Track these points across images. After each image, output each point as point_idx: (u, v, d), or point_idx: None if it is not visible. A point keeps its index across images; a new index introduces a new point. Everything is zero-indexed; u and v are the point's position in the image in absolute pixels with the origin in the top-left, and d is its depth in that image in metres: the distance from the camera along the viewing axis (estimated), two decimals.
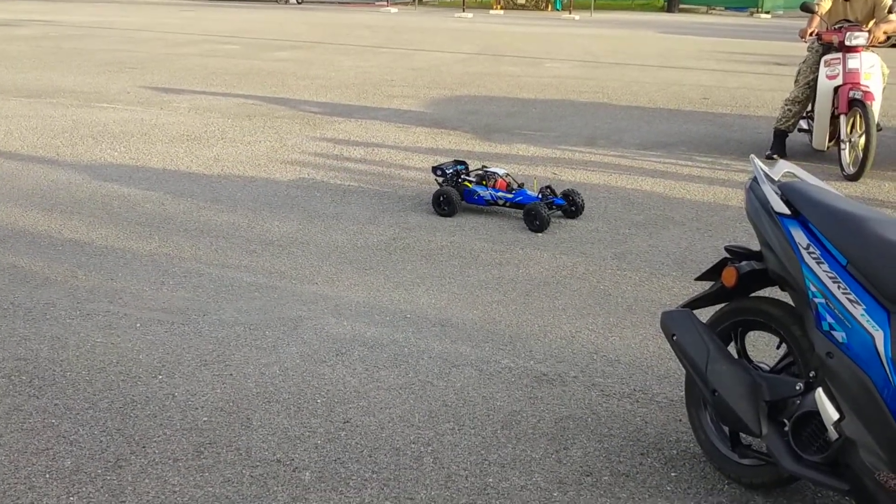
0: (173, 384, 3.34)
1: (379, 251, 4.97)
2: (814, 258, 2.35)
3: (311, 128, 8.45)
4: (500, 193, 5.57)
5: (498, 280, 4.53)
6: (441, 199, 5.60)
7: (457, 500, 2.64)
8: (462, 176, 5.77)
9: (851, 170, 6.60)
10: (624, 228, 5.41)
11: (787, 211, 2.47)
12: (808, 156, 7.33)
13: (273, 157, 7.21)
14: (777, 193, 2.54)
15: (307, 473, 2.76)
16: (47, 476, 2.72)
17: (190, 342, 3.72)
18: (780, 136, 7.34)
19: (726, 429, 2.74)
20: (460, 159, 6.06)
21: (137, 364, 3.50)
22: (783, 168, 2.70)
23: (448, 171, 5.77)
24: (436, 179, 5.84)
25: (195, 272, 4.58)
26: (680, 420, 3.11)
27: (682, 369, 2.85)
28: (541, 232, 5.22)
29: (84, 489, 2.66)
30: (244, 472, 2.77)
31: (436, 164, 5.92)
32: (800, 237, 2.40)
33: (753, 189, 2.64)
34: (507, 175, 5.75)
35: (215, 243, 5.05)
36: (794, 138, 7.56)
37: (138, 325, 3.89)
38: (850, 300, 2.24)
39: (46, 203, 5.74)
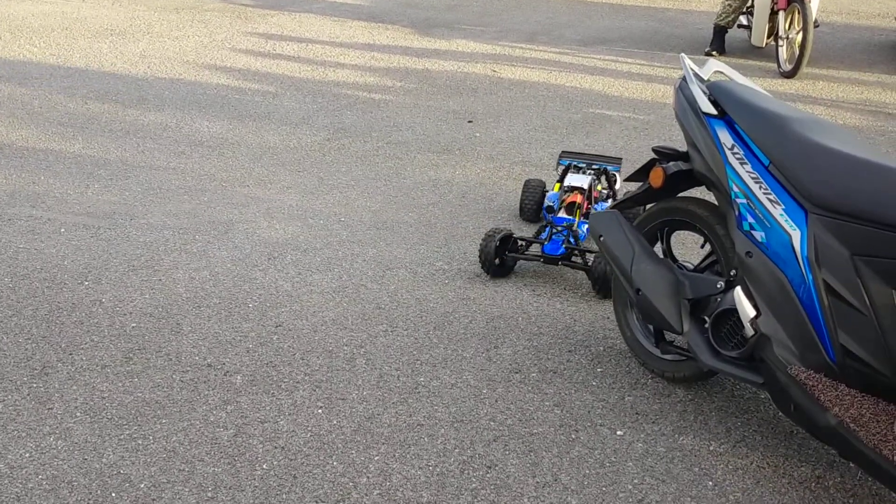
0: (100, 290, 3.28)
1: (312, 152, 4.87)
2: (737, 158, 2.37)
3: (242, 21, 8.13)
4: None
5: (434, 182, 4.49)
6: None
7: (388, 399, 2.68)
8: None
9: (788, 66, 6.63)
10: (562, 128, 5.38)
11: (713, 111, 2.47)
12: (747, 52, 7.34)
13: (202, 53, 6.94)
14: (705, 93, 2.53)
15: (238, 377, 2.77)
16: None
17: (117, 247, 3.64)
18: (720, 32, 7.31)
19: (650, 326, 2.81)
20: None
21: (63, 270, 3.42)
22: (713, 67, 2.68)
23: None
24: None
25: (121, 175, 4.44)
26: (607, 318, 3.18)
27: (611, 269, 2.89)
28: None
29: (10, 396, 2.63)
30: (174, 376, 2.76)
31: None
32: (725, 137, 2.41)
33: (682, 89, 2.63)
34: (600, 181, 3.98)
35: (142, 144, 4.89)
36: (734, 34, 7.54)
37: (63, 230, 3.79)
38: (770, 200, 2.27)
39: None
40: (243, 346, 2.95)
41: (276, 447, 2.45)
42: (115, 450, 2.41)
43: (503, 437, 2.52)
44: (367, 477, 2.34)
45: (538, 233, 3.58)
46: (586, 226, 3.56)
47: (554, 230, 3.49)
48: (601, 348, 3.00)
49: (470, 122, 5.46)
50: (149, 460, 2.38)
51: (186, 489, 2.28)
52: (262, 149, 4.90)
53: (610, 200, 3.86)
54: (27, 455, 2.38)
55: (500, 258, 3.42)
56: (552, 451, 2.47)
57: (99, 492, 2.25)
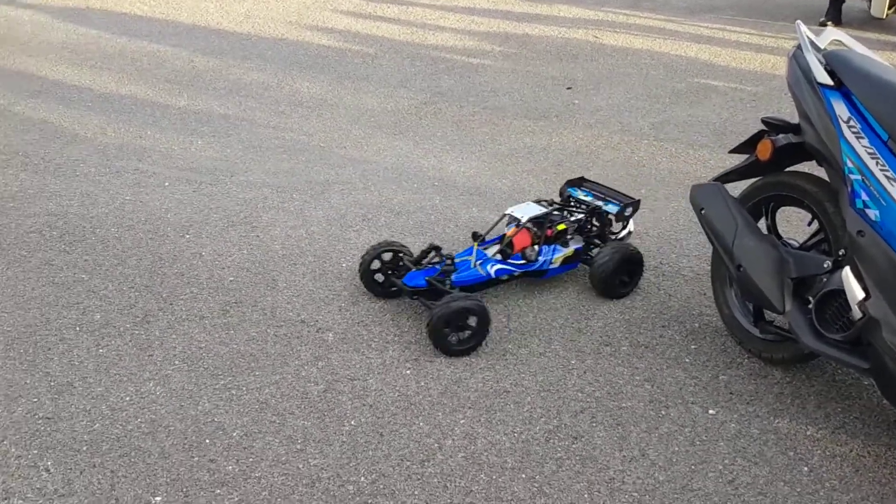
0: (200, 243, 3.38)
1: (409, 116, 4.87)
2: (854, 132, 2.24)
3: None
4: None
5: (529, 149, 4.44)
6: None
7: (475, 364, 2.67)
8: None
9: None
10: (664, 97, 5.22)
11: (829, 81, 2.34)
12: (866, 24, 6.94)
13: (305, 14, 7.01)
14: (821, 63, 2.39)
15: (330, 334, 2.81)
16: (77, 329, 2.80)
17: (218, 202, 3.73)
18: (837, 1, 6.94)
19: (750, 304, 2.71)
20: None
21: (165, 223, 3.53)
22: (831, 35, 2.53)
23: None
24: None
25: (223, 132, 4.55)
26: (704, 294, 3.08)
27: (711, 244, 2.79)
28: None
29: (113, 342, 2.74)
30: (268, 331, 2.82)
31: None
32: (841, 109, 2.28)
33: (796, 57, 2.50)
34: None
35: (244, 103, 4.99)
36: (852, 4, 7.15)
37: (167, 183, 3.91)
38: (887, 177, 2.14)
39: (76, 58, 5.68)
40: (336, 304, 2.99)
41: (364, 404, 2.48)
42: (209, 398, 2.49)
43: (590, 408, 2.49)
44: (453, 439, 2.35)
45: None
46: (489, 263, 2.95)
47: (443, 258, 2.97)
48: (696, 325, 2.91)
49: (569, 88, 5.36)
50: (242, 410, 2.44)
51: (276, 440, 2.33)
52: (359, 111, 4.93)
53: (572, 245, 3.08)
54: (127, 398, 2.48)
55: (386, 277, 3.00)
56: (640, 426, 2.42)
57: (194, 437, 2.33)
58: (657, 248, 3.43)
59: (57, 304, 2.93)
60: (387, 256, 3.01)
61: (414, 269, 2.92)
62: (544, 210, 3.09)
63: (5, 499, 2.11)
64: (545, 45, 6.25)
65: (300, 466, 2.24)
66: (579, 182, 3.36)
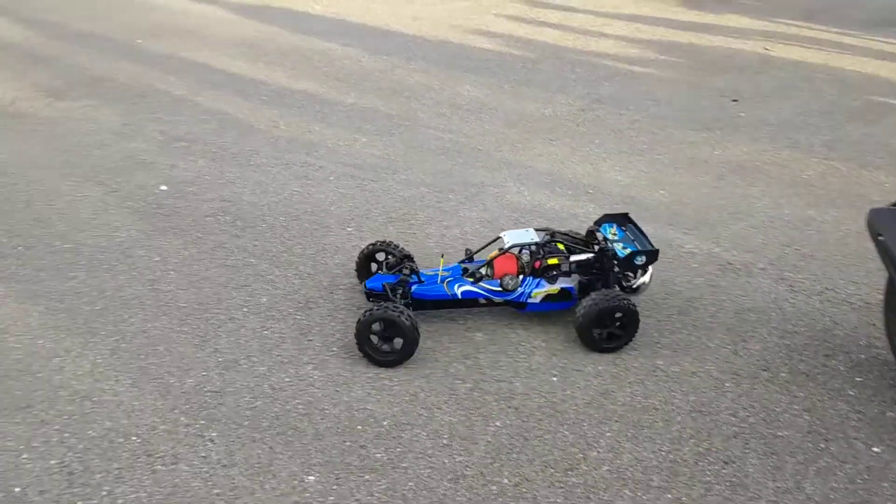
0: (361, 237, 3.50)
1: (567, 121, 4.86)
2: None
3: None
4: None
5: (690, 161, 4.33)
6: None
7: (624, 377, 2.64)
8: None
9: None
10: (837, 114, 4.97)
11: None
12: None
13: (469, 18, 7.11)
14: None
15: (479, 334, 2.85)
16: (245, 310, 2.97)
17: (378, 198, 3.86)
18: None
19: None
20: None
21: (329, 215, 3.69)
22: None
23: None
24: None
25: (387, 131, 4.69)
26: (873, 325, 2.92)
27: (885, 272, 2.64)
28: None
29: (276, 325, 2.89)
30: (420, 326, 2.89)
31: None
32: None
33: None
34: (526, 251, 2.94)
35: (407, 103, 5.13)
36: None
37: (332, 177, 4.07)
38: None
39: (253, 53, 6.00)
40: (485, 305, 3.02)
41: (510, 407, 2.50)
42: (363, 386, 2.58)
43: (744, 434, 2.41)
44: (598, 451, 2.33)
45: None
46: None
47: (411, 269, 2.86)
48: (863, 356, 2.76)
49: (735, 101, 5.18)
50: (392, 400, 2.52)
51: (424, 433, 2.39)
52: (518, 114, 4.96)
53: (561, 283, 2.83)
54: (287, 380, 2.61)
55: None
56: (797, 457, 2.32)
57: (346, 422, 2.43)
58: (822, 272, 3.27)
59: (228, 285, 3.12)
60: (380, 256, 2.99)
61: (381, 273, 2.88)
62: (536, 240, 2.85)
63: (174, 463, 2.27)
64: (711, 55, 6.08)
65: (445, 461, 2.29)
66: (620, 219, 3.03)
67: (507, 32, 6.66)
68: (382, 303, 2.66)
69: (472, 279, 2.83)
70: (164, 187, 3.89)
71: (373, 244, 3.00)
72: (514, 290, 2.81)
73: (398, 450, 2.33)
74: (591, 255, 2.86)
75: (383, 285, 2.83)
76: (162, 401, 2.50)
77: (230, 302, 3.01)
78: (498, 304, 2.86)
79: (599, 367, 2.69)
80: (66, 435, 2.35)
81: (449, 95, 5.27)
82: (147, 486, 2.19)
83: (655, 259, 2.85)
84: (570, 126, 4.79)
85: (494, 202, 3.84)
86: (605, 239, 2.92)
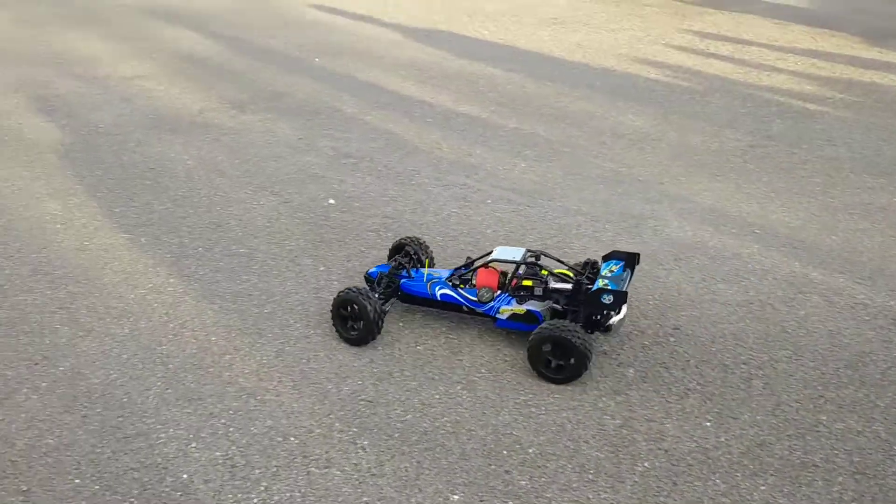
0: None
1: (734, 157, 4.72)
2: None
3: (678, 18, 8.09)
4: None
5: (866, 206, 4.10)
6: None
7: (783, 430, 2.53)
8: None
9: None
10: None
11: None
12: None
13: (635, 47, 7.05)
14: None
15: (631, 370, 2.81)
16: (401, 324, 3.06)
17: (534, 224, 3.88)
18: None
19: None
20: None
21: (485, 237, 3.74)
22: None
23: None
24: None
25: (546, 157, 4.71)
26: None
27: None
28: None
29: (429, 342, 2.95)
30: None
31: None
32: None
33: None
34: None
35: (568, 130, 5.13)
36: None
37: (489, 201, 4.13)
38: None
39: (421, 76, 6.19)
40: (639, 341, 2.98)
41: (659, 448, 2.45)
42: (510, 411, 2.60)
43: None
44: None
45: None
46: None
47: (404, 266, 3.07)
48: None
49: None
50: (539, 429, 2.53)
51: (570, 465, 2.38)
52: (682, 147, 4.86)
53: (529, 305, 2.83)
54: (437, 396, 2.67)
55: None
56: None
57: (492, 445, 2.46)
58: None
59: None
60: (409, 250, 3.17)
61: (385, 264, 3.11)
62: (517, 261, 2.87)
63: (327, 467, 2.37)
64: (894, 96, 5.74)
65: (590, 496, 2.27)
66: (629, 258, 2.90)
67: (676, 63, 6.55)
68: (357, 288, 2.89)
69: (453, 285, 2.96)
70: (332, 201, 4.07)
71: (403, 238, 3.21)
72: (487, 303, 2.89)
73: (542, 479, 2.33)
74: (569, 286, 2.85)
75: (379, 274, 3.03)
76: (319, 405, 2.61)
77: (389, 315, 3.11)
78: (467, 313, 2.96)
79: (757, 417, 2.59)
80: (231, 429, 2.50)
81: (611, 124, 5.24)
82: (301, 486, 2.30)
83: (623, 301, 2.74)
84: (737, 162, 4.65)
85: (653, 236, 3.78)
86: (597, 273, 2.88)
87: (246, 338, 2.96)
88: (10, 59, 6.31)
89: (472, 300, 2.93)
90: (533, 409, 2.61)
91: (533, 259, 2.95)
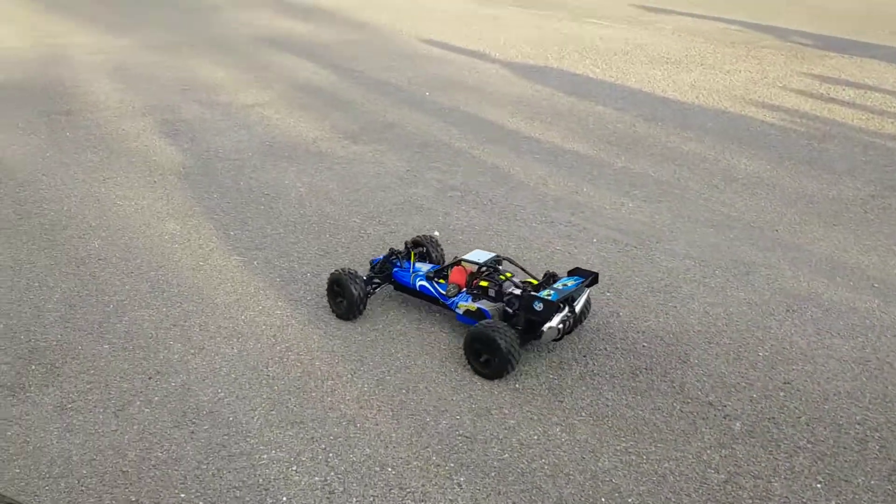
0: (619, 304, 3.48)
1: (853, 206, 4.53)
2: None
3: (797, 61, 7.87)
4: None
5: None
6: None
7: None
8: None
9: None
10: None
11: None
12: None
13: (751, 88, 6.89)
14: None
15: (738, 424, 2.72)
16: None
17: (640, 266, 3.82)
18: None
19: None
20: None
21: None
22: None
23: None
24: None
25: (655, 198, 4.64)
26: None
27: None
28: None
29: (529, 381, 2.93)
30: (675, 405, 2.81)
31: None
32: None
33: None
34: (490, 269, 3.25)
35: (678, 171, 5.05)
36: None
37: (595, 240, 4.09)
38: None
39: (530, 111, 6.22)
40: (747, 393, 2.88)
41: None
42: (610, 458, 2.55)
43: None
44: None
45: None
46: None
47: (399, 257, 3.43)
48: None
49: None
50: (639, 478, 2.47)
51: None
52: (797, 194, 4.70)
53: (480, 304, 3.10)
54: (535, 437, 2.64)
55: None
56: None
57: (591, 492, 2.41)
58: None
59: None
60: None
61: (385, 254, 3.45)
62: (480, 263, 3.19)
63: (422, 501, 2.37)
64: None
65: None
66: (589, 277, 3.08)
67: (792, 107, 6.36)
68: (347, 270, 3.27)
69: (431, 279, 3.28)
70: (437, 233, 4.11)
71: (417, 237, 3.54)
72: (452, 298, 3.18)
73: None
74: (518, 291, 3.07)
75: (379, 261, 3.41)
76: (417, 437, 2.62)
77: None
78: (439, 305, 3.26)
79: (872, 481, 2.45)
80: (331, 455, 2.54)
81: (723, 167, 5.12)
82: None
83: (555, 309, 2.92)
84: (856, 211, 4.46)
85: (765, 284, 3.66)
86: (547, 284, 3.08)
87: (348, 364, 3.01)
88: (141, 85, 6.68)
89: (442, 293, 3.23)
90: (634, 457, 2.55)
91: (495, 264, 3.23)
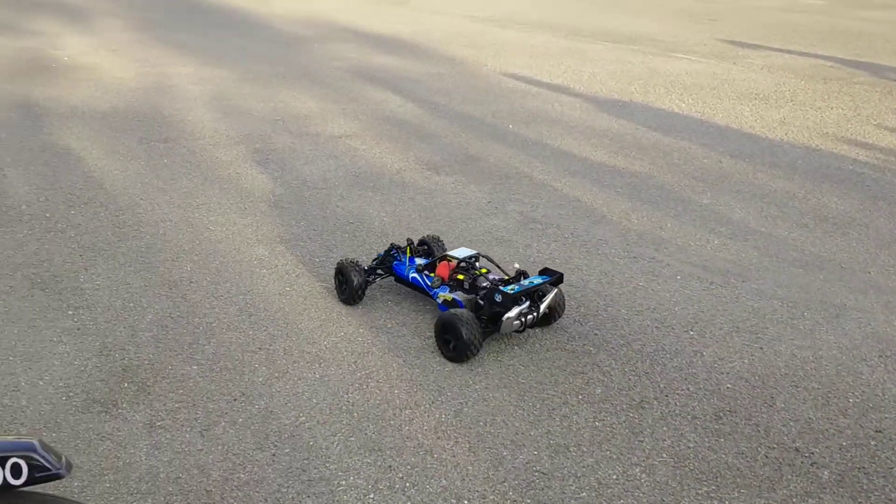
0: (703, 343, 3.42)
1: None
2: None
3: (892, 98, 7.63)
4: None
5: None
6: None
7: None
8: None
9: None
10: None
11: None
12: None
13: (843, 126, 6.70)
14: None
15: (825, 472, 2.63)
16: (579, 396, 3.03)
17: (725, 305, 3.75)
18: None
19: None
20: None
21: (672, 315, 3.65)
22: None
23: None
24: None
25: (741, 235, 4.55)
26: None
27: None
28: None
29: (608, 418, 2.90)
30: (759, 449, 2.74)
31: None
32: None
33: None
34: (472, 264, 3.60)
35: (766, 209, 4.94)
36: None
37: (679, 277, 4.04)
38: None
39: (614, 145, 6.19)
40: (836, 441, 2.79)
41: None
42: (691, 501, 2.50)
43: None
44: None
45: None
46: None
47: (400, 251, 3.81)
48: None
49: None
50: None
51: None
52: (892, 235, 4.55)
53: (455, 294, 3.46)
54: (614, 477, 2.61)
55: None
56: None
57: None
58: None
59: (566, 369, 3.21)
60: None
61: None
62: (459, 259, 3.57)
63: None
64: None
65: None
66: (555, 277, 3.39)
67: (887, 145, 6.16)
68: (350, 260, 3.71)
69: (420, 271, 3.65)
70: (517, 265, 4.11)
71: (423, 237, 3.93)
72: (435, 289, 3.53)
73: None
74: (487, 284, 3.42)
75: (382, 255, 3.82)
76: (494, 471, 2.62)
77: (566, 386, 3.09)
78: (420, 293, 3.66)
79: None
80: (408, 485, 2.56)
81: (813, 206, 4.99)
82: None
83: (513, 301, 3.25)
84: None
85: (857, 328, 3.54)
86: (516, 281, 3.39)
87: (426, 394, 3.04)
88: (235, 115, 6.92)
89: (428, 284, 3.58)
90: (716, 502, 2.49)
91: (474, 260, 3.60)
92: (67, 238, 4.37)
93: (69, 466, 1.34)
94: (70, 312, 3.60)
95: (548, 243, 4.42)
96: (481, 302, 3.40)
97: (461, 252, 3.64)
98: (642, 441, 2.78)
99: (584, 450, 2.73)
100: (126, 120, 6.66)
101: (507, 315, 3.23)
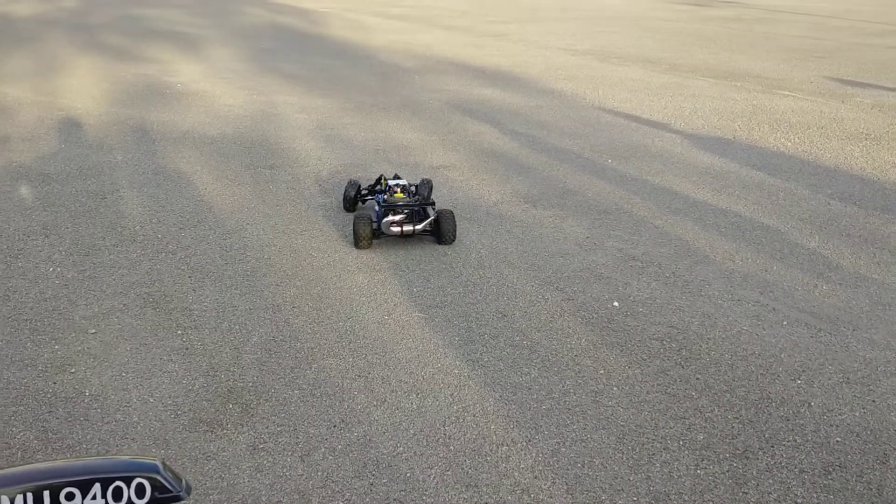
0: (811, 393, 3.30)
1: None
2: None
3: None
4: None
5: None
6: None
7: None
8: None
9: None
10: None
11: None
12: None
13: None
14: None
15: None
16: (681, 443, 2.96)
17: (835, 354, 3.61)
18: None
19: None
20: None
21: (778, 362, 3.54)
22: None
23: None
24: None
25: (851, 282, 4.38)
26: None
27: None
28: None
29: (711, 467, 2.83)
30: None
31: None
32: None
33: None
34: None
35: (878, 255, 4.75)
36: None
37: (785, 322, 3.91)
38: None
39: (716, 183, 6.07)
40: None
41: None
42: None
43: None
44: None
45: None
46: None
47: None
48: None
49: None
50: None
51: None
52: None
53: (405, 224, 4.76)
54: None
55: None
56: None
57: None
58: None
59: (666, 413, 3.14)
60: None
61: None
62: (392, 184, 5.07)
63: None
64: None
65: None
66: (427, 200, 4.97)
67: None
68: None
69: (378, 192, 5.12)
70: (616, 303, 4.07)
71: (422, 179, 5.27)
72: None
73: None
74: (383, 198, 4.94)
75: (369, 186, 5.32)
76: None
77: (667, 431, 3.03)
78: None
79: None
80: None
81: None
82: None
83: (389, 211, 4.78)
84: None
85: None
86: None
87: (523, 431, 3.02)
88: (338, 143, 7.09)
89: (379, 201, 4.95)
90: None
91: (407, 184, 5.04)
92: (177, 259, 4.54)
93: (189, 489, 1.38)
94: (179, 332, 3.73)
95: (648, 282, 4.35)
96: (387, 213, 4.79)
97: (396, 180, 5.10)
98: (747, 493, 2.69)
99: (686, 499, 2.66)
100: (234, 145, 6.91)
101: (385, 220, 4.70)
